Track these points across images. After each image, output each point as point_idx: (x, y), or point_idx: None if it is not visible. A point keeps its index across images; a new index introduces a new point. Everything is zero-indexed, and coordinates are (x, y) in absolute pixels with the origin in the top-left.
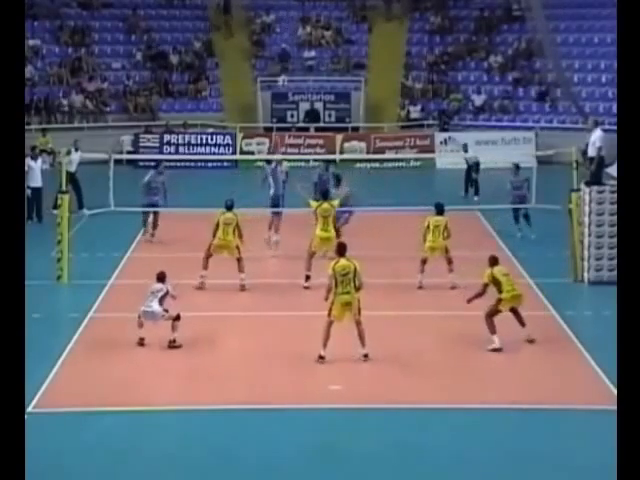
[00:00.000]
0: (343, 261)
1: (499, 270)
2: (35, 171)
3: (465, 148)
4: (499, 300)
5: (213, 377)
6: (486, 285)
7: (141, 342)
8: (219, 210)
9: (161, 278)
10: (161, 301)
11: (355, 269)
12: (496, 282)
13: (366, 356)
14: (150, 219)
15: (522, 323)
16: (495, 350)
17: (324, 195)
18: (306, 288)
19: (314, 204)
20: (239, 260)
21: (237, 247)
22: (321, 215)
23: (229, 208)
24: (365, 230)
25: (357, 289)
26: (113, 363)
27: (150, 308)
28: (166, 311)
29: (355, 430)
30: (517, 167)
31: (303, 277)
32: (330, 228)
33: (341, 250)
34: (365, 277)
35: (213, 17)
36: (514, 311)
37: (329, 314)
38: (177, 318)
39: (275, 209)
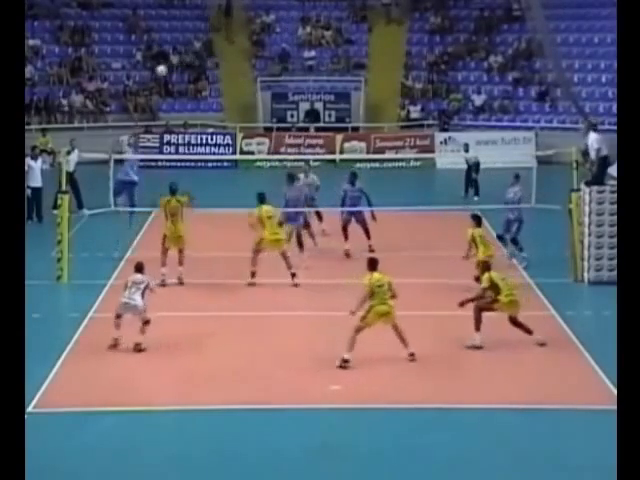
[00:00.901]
0: (377, 274)
1: (496, 275)
2: (35, 171)
3: (466, 148)
4: (495, 301)
5: (213, 377)
6: (485, 290)
7: (115, 344)
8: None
9: (140, 269)
10: (143, 294)
11: (389, 282)
12: (494, 286)
13: (412, 355)
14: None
15: (528, 331)
16: (475, 347)
17: (261, 199)
18: (251, 285)
19: (254, 211)
20: (181, 251)
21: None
22: (266, 217)
23: (173, 192)
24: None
25: (392, 298)
26: (113, 363)
27: (134, 301)
28: (145, 309)
29: (355, 430)
30: (517, 177)
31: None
32: (277, 230)
33: (373, 265)
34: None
35: (214, 19)
36: (514, 322)
37: (362, 320)
38: (147, 322)
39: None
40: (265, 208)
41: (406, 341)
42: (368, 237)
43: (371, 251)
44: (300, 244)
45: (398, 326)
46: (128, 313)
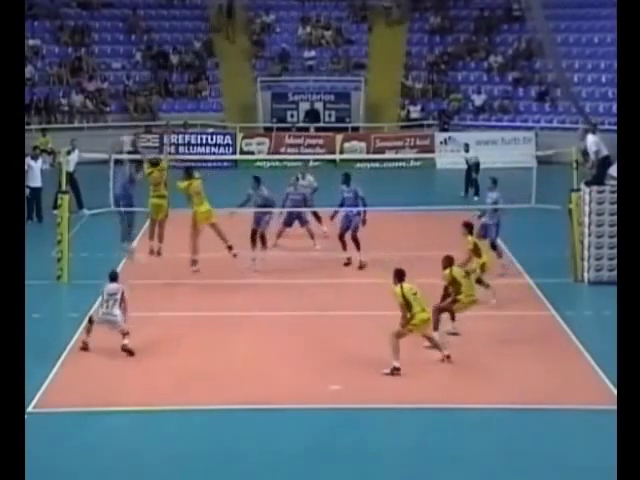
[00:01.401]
0: (406, 285)
1: (458, 271)
2: (35, 171)
3: (466, 148)
4: (455, 301)
5: (213, 377)
6: (447, 288)
7: (85, 347)
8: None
9: (114, 278)
10: (120, 305)
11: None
12: (455, 283)
13: (448, 357)
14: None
15: (453, 317)
16: (432, 347)
17: (189, 174)
18: (196, 272)
19: (183, 184)
20: (162, 225)
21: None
22: (195, 192)
23: (155, 164)
24: (364, 230)
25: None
26: (113, 363)
27: (113, 317)
28: (123, 322)
29: (355, 430)
30: (494, 181)
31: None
32: (205, 202)
33: (400, 276)
34: (364, 277)
35: (214, 20)
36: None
37: (404, 326)
38: (127, 334)
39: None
40: (194, 184)
41: (439, 347)
42: (357, 248)
43: (346, 264)
44: (263, 243)
45: (430, 336)
46: (104, 326)
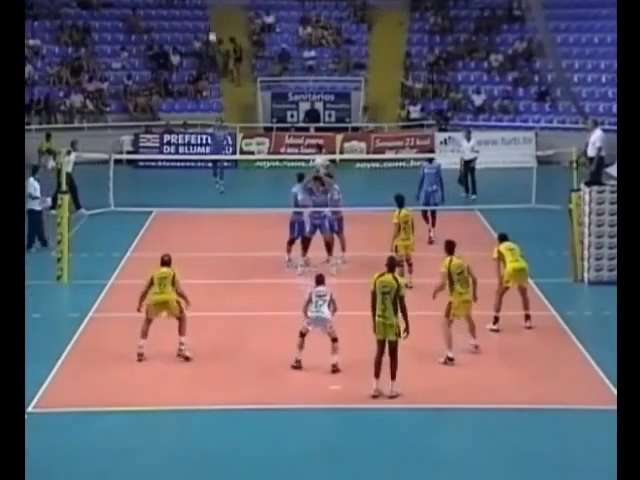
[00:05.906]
0: (456, 259)
1: (505, 245)
2: (38, 192)
3: (468, 135)
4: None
5: (213, 378)
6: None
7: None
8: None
9: (321, 280)
10: (329, 306)
11: (468, 267)
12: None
13: (477, 347)
14: None
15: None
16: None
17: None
18: None
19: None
20: (180, 319)
21: (178, 303)
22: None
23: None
24: (364, 230)
25: (473, 284)
26: (113, 363)
27: (323, 314)
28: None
29: (355, 430)
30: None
31: None
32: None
33: (451, 248)
34: (363, 278)
35: (222, 63)
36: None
37: (447, 314)
38: (335, 339)
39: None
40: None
41: (475, 332)
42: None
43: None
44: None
45: (471, 317)
46: (317, 326)
